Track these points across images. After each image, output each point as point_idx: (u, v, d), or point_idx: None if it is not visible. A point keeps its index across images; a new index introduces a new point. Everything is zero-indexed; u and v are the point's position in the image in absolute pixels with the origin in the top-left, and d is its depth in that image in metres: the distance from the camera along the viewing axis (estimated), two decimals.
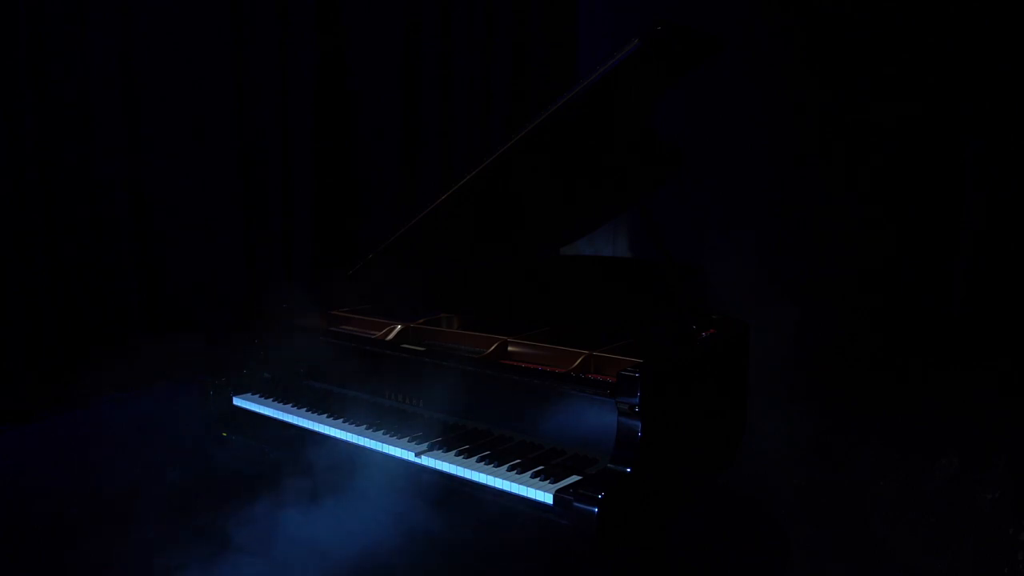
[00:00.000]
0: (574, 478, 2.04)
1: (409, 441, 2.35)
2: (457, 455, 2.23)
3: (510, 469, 2.12)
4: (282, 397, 2.81)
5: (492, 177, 2.61)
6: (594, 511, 1.88)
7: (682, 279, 2.62)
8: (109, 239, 4.26)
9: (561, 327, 2.56)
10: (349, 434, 2.48)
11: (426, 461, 2.26)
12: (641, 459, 2.00)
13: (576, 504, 1.92)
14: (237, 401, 2.89)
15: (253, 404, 2.84)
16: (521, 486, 2.04)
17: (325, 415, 2.61)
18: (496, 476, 2.10)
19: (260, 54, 4.69)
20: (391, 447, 2.35)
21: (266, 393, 2.87)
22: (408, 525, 2.37)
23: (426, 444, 2.32)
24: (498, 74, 5.79)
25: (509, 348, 2.48)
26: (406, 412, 2.54)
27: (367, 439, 2.42)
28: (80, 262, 4.15)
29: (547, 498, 1.98)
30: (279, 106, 4.78)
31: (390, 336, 2.73)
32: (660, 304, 2.61)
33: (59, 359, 4.11)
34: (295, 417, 2.66)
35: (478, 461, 2.19)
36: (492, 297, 2.85)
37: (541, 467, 2.11)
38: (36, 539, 3.13)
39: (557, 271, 2.95)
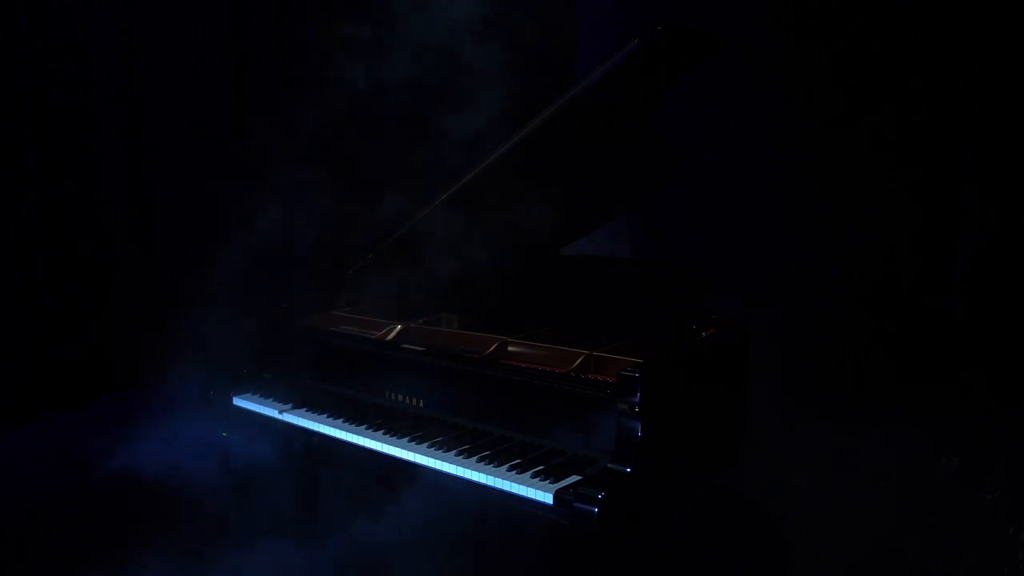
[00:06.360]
0: (574, 478, 2.04)
1: (409, 441, 2.35)
2: (457, 455, 2.23)
3: (510, 469, 2.12)
4: (282, 397, 2.81)
5: (492, 177, 2.61)
6: (594, 511, 1.88)
7: (682, 279, 2.62)
8: (109, 238, 4.26)
9: (561, 327, 2.56)
10: (349, 434, 2.47)
11: (426, 461, 2.25)
12: (641, 459, 2.00)
13: (576, 504, 1.92)
14: (237, 401, 2.89)
15: (253, 404, 2.83)
16: (521, 486, 2.04)
17: (325, 415, 2.61)
18: (496, 476, 2.10)
19: (260, 52, 4.70)
20: (391, 447, 2.35)
21: (266, 393, 2.87)
22: (408, 525, 2.37)
23: (426, 444, 2.32)
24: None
25: (509, 348, 2.48)
26: (406, 412, 2.54)
27: (367, 439, 2.42)
28: (80, 261, 4.15)
29: (547, 498, 1.98)
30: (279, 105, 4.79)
31: (390, 336, 2.73)
32: (660, 304, 2.61)
33: (58, 359, 4.11)
34: (295, 417, 2.66)
35: (478, 461, 2.19)
36: (492, 297, 2.85)
37: (541, 467, 2.11)
38: (35, 538, 3.13)
39: (557, 271, 2.95)
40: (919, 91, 4.66)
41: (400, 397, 2.56)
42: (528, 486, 2.03)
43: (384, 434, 2.42)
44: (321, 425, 2.57)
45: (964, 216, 4.67)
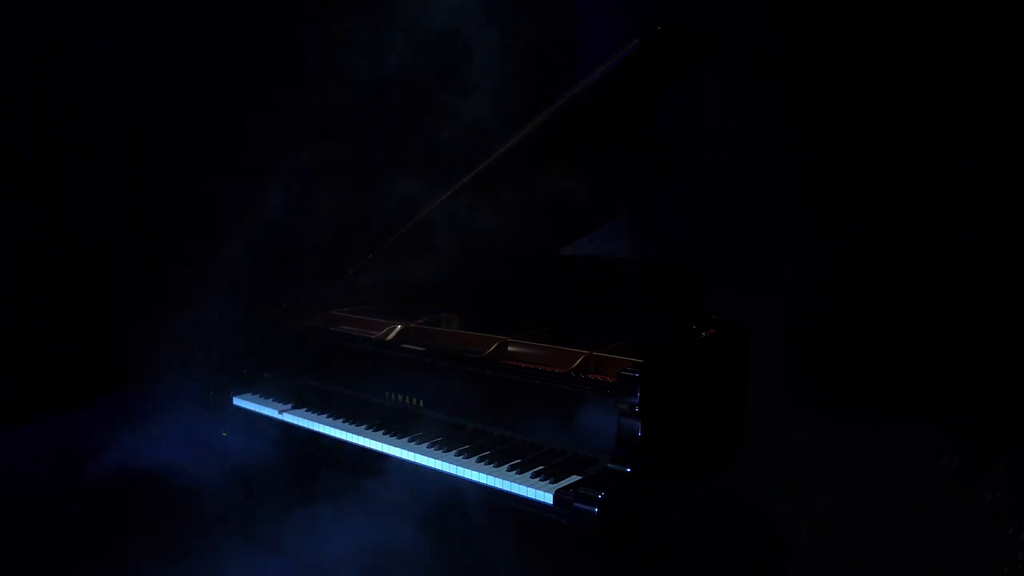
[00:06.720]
0: (574, 478, 2.04)
1: (409, 441, 2.35)
2: (457, 455, 2.23)
3: (510, 469, 2.12)
4: (282, 397, 2.81)
5: (492, 177, 2.61)
6: (594, 511, 1.88)
7: (682, 279, 2.62)
8: (109, 238, 4.26)
9: (561, 327, 2.56)
10: (349, 434, 2.48)
11: (426, 461, 2.26)
12: (641, 459, 2.00)
13: (576, 504, 1.92)
14: (237, 401, 2.89)
15: (253, 404, 2.84)
16: (521, 486, 2.04)
17: (325, 415, 2.61)
18: (496, 476, 2.10)
19: (260, 52, 4.70)
20: (391, 447, 2.35)
21: (266, 393, 2.87)
22: (408, 525, 2.37)
23: (426, 444, 2.32)
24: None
25: (509, 348, 2.48)
26: (406, 412, 2.54)
27: (367, 439, 2.42)
28: (79, 261, 4.15)
29: (547, 498, 1.98)
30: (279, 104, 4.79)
31: (390, 336, 2.73)
32: (660, 304, 2.61)
33: (58, 359, 4.11)
34: (295, 417, 2.66)
35: (478, 461, 2.19)
36: (492, 297, 2.85)
37: (541, 467, 2.11)
38: (35, 538, 3.13)
39: (557, 271, 2.95)
40: (919, 91, 4.66)
41: (400, 397, 2.56)
42: (528, 486, 2.03)
43: (384, 434, 2.42)
44: (321, 425, 2.57)
45: (964, 216, 4.67)
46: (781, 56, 5.00)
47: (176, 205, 4.45)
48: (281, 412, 2.71)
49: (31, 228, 3.95)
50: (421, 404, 2.52)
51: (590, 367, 2.29)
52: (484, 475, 2.12)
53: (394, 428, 2.43)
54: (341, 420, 2.56)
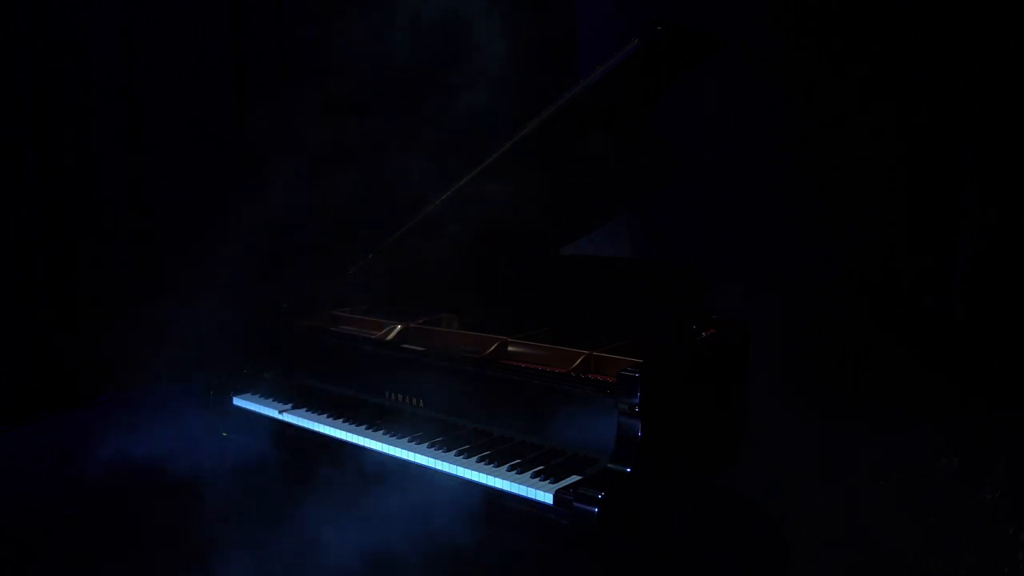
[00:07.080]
0: (574, 478, 2.04)
1: (409, 441, 2.35)
2: (457, 455, 2.23)
3: (510, 469, 2.12)
4: (282, 397, 2.81)
5: (492, 177, 2.61)
6: (594, 511, 1.88)
7: (682, 279, 2.62)
8: (109, 238, 4.26)
9: (561, 327, 2.56)
10: (349, 434, 2.48)
11: (426, 461, 2.25)
12: (641, 459, 2.00)
13: (576, 504, 1.92)
14: (237, 401, 2.89)
15: (253, 404, 2.83)
16: (521, 486, 2.04)
17: (325, 415, 2.61)
18: (496, 476, 2.10)
19: (260, 52, 4.70)
20: (391, 447, 2.35)
21: (266, 393, 2.87)
22: (407, 525, 2.37)
23: (426, 444, 2.32)
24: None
25: (509, 348, 2.48)
26: (406, 412, 2.54)
27: (367, 439, 2.42)
28: (80, 261, 4.15)
29: (547, 498, 1.98)
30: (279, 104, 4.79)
31: (390, 336, 2.73)
32: (660, 304, 2.61)
33: (59, 359, 4.11)
34: (295, 417, 2.66)
35: (478, 461, 2.19)
36: (492, 297, 2.85)
37: (541, 467, 2.11)
38: (35, 538, 3.13)
39: (557, 271, 2.95)
40: (919, 91, 4.66)
41: (400, 397, 2.56)
42: (528, 486, 2.03)
43: (384, 434, 2.42)
44: (321, 425, 2.57)
45: (964, 216, 4.67)
46: (781, 56, 5.00)
47: (176, 205, 4.45)
48: (281, 412, 2.71)
49: (31, 228, 3.95)
50: (421, 404, 2.52)
51: (590, 367, 2.29)
52: (484, 475, 2.12)
53: (394, 428, 2.43)
54: (341, 420, 2.55)
